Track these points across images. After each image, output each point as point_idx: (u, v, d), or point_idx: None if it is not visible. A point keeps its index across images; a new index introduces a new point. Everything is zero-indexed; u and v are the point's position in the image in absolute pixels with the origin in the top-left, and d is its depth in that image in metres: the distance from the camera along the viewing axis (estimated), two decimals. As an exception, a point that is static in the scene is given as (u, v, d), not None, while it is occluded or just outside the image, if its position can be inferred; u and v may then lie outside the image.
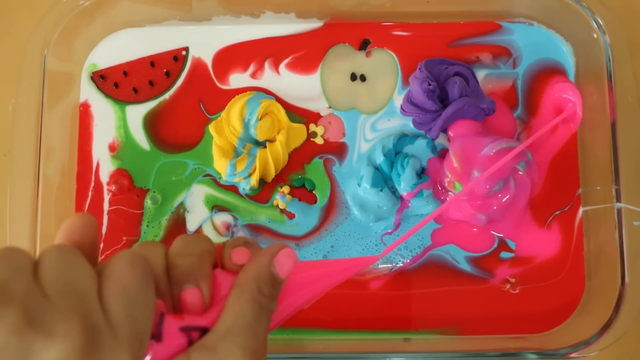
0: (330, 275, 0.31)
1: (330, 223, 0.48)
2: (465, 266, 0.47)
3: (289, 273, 0.29)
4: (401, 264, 0.47)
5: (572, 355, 0.43)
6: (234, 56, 0.51)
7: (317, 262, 0.32)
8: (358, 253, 0.47)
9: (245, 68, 0.51)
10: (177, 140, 0.50)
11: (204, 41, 0.51)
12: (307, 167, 0.49)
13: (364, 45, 0.51)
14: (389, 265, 0.47)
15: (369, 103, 0.50)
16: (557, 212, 0.48)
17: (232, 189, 0.49)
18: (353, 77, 0.51)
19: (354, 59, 0.51)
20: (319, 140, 0.50)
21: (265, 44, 0.51)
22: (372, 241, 0.48)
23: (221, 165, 0.48)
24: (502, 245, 0.47)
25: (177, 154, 0.49)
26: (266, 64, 0.51)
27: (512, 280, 0.47)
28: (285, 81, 0.50)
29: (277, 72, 0.51)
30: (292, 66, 0.51)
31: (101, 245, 0.48)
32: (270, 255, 0.29)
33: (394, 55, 0.51)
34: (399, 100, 0.50)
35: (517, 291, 0.47)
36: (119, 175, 0.49)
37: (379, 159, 0.47)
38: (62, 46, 0.49)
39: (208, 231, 0.48)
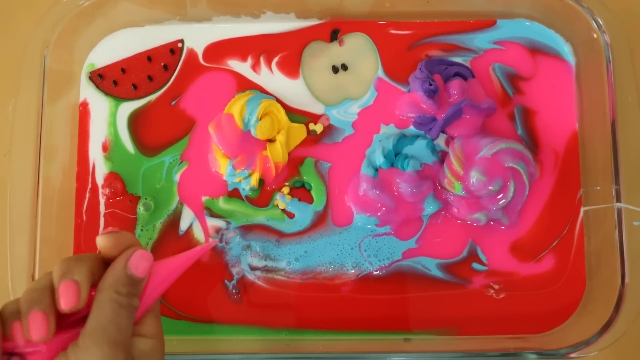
0: (181, 265, 0.37)
1: (315, 233, 0.48)
2: (437, 273, 0.47)
3: (147, 271, 0.34)
4: (373, 271, 0.47)
5: (572, 355, 0.43)
6: (229, 54, 0.51)
7: (170, 259, 0.37)
8: (331, 258, 0.47)
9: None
10: (161, 141, 0.49)
11: (200, 36, 0.51)
12: (300, 168, 0.49)
13: (334, 36, 0.51)
14: (358, 271, 0.47)
15: (359, 88, 0.50)
16: (555, 243, 0.48)
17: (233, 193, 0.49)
18: (335, 69, 0.50)
19: (329, 52, 0.51)
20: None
21: (258, 42, 0.51)
22: (348, 244, 0.47)
23: (221, 165, 0.48)
24: (473, 256, 0.47)
25: (157, 155, 0.49)
26: (261, 63, 0.51)
27: (496, 286, 0.47)
28: (280, 84, 0.50)
29: (272, 72, 0.51)
30: (280, 67, 0.51)
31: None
32: (124, 260, 0.34)
33: (366, 36, 0.51)
34: (383, 77, 0.50)
35: (501, 297, 0.47)
36: (112, 178, 0.49)
37: (379, 160, 0.47)
38: (62, 46, 0.49)
39: (197, 231, 0.48)
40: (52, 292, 0.32)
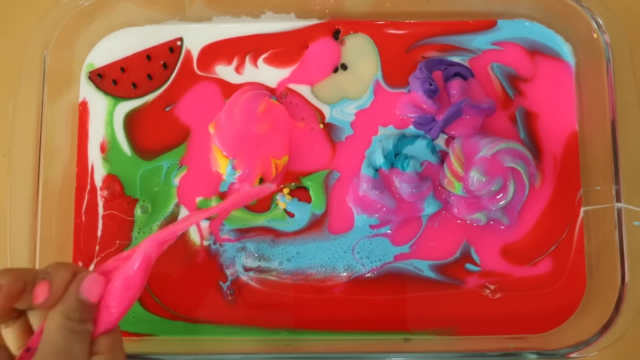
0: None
1: (309, 236, 0.48)
2: (430, 274, 0.47)
3: (99, 294, 0.33)
4: (365, 273, 0.47)
5: (572, 355, 0.43)
6: (228, 54, 0.51)
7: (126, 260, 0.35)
8: (323, 262, 0.47)
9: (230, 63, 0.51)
10: (156, 146, 0.49)
11: (200, 36, 0.51)
12: (302, 179, 0.49)
13: (335, 36, 0.51)
14: (349, 273, 0.47)
15: (357, 89, 0.50)
16: (553, 247, 0.47)
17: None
18: (334, 69, 0.51)
19: None
20: (318, 140, 0.50)
21: (257, 42, 0.51)
22: (341, 248, 0.47)
23: (221, 165, 0.48)
24: (467, 257, 0.47)
25: (155, 159, 0.49)
26: (248, 61, 0.51)
27: (492, 286, 0.47)
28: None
29: (271, 71, 0.51)
30: (280, 66, 0.51)
31: (97, 248, 0.48)
32: (76, 285, 0.33)
33: (368, 37, 0.51)
34: (381, 82, 0.50)
35: (497, 297, 0.47)
36: (111, 180, 0.49)
37: (379, 160, 0.47)
38: (62, 46, 0.49)
39: (193, 233, 0.48)
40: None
